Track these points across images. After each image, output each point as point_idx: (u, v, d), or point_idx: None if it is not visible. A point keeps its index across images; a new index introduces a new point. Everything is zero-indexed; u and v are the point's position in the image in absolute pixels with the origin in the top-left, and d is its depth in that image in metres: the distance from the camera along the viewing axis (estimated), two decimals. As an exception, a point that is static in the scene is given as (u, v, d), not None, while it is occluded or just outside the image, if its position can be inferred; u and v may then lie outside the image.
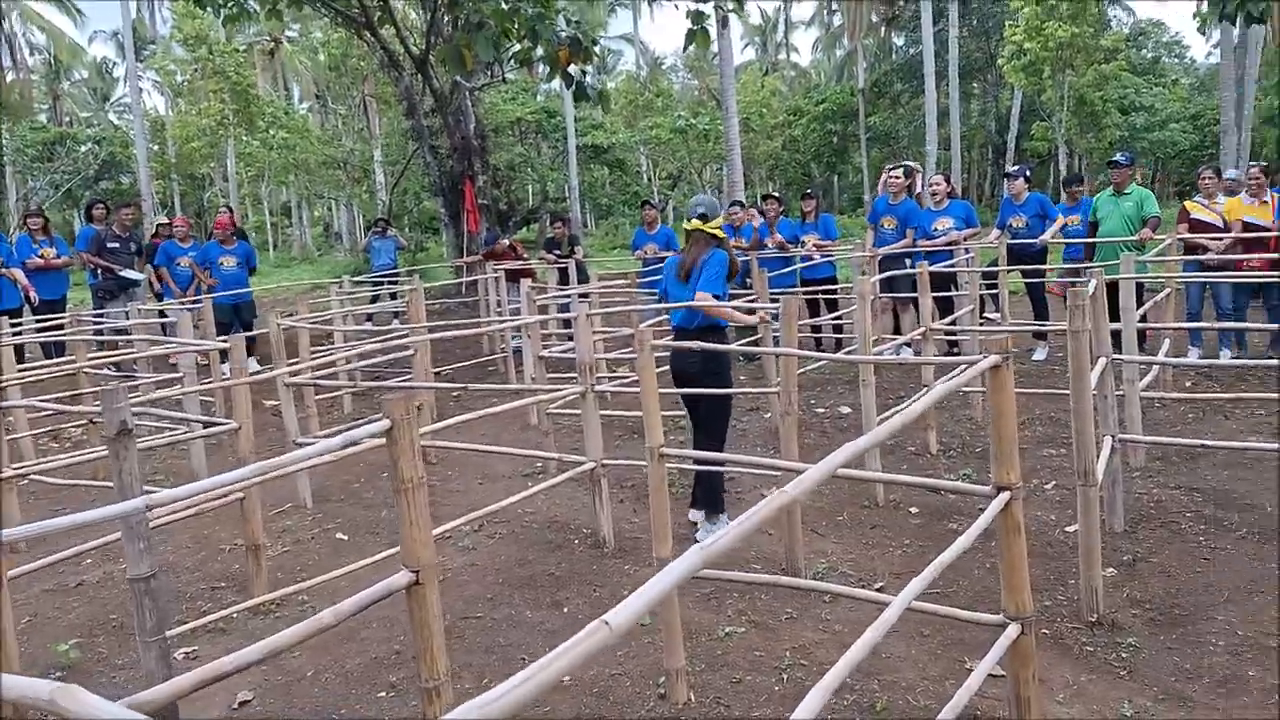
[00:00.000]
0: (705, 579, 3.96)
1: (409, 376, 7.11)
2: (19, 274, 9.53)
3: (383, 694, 3.39)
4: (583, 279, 10.50)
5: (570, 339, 8.29)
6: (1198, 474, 5.31)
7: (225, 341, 4.55)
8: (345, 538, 5.04)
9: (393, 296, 13.36)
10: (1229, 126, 17.85)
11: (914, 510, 5.09)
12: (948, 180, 9.43)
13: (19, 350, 8.47)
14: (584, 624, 1.19)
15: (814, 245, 9.70)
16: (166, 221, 12.56)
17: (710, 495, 4.83)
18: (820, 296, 9.73)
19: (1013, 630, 2.62)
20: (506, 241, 12.58)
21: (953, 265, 8.38)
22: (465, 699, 1.08)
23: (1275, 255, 7.49)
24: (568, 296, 9.04)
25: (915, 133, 34.59)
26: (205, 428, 5.09)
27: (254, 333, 10.21)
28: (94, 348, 8.66)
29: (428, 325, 7.51)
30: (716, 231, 4.85)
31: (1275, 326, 7.37)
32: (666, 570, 1.27)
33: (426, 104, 16.57)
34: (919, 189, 12.01)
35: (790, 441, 4.38)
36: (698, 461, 4.72)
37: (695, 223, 4.83)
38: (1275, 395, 6.24)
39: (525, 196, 31.18)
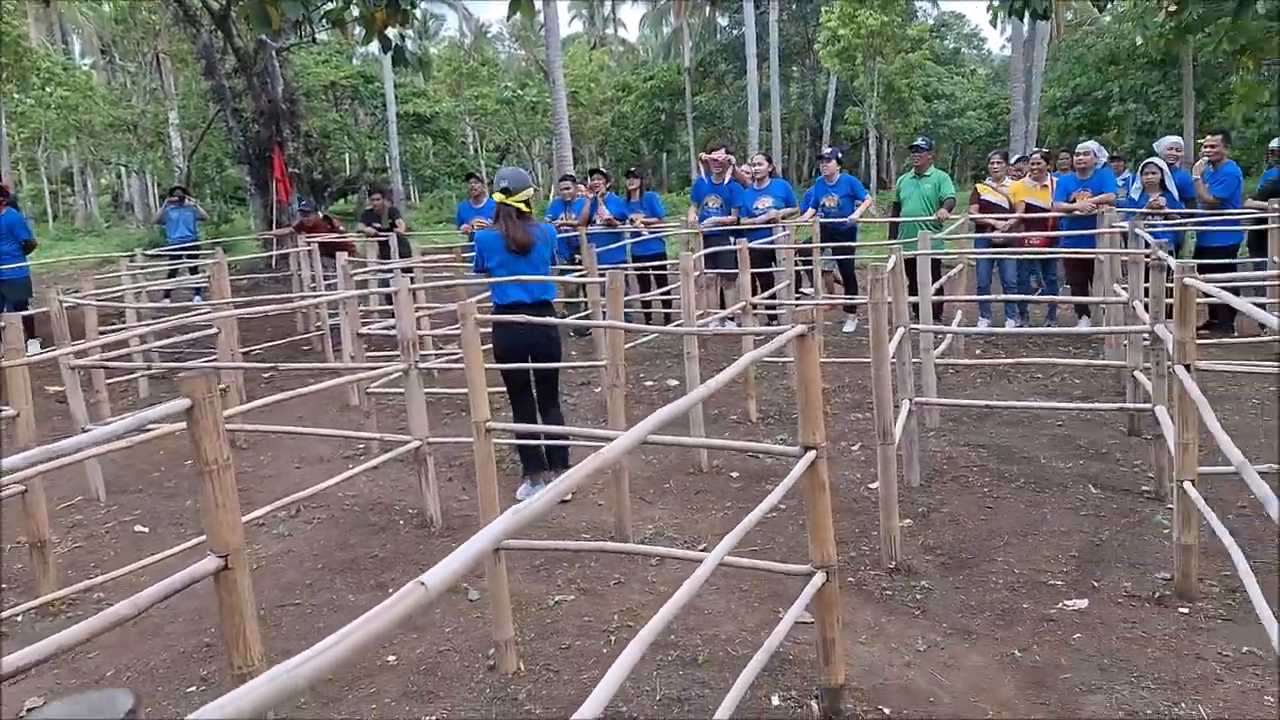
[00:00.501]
0: (536, 550, 3.99)
1: (214, 357, 6.72)
2: None
3: (192, 689, 3.22)
4: (404, 253, 10.21)
5: (393, 315, 8.06)
6: (984, 432, 5.79)
7: (-2, 321, 4.14)
8: (145, 530, 4.73)
9: (193, 271, 12.53)
10: (1018, 115, 19.35)
11: (735, 475, 5.30)
12: (769, 160, 9.78)
13: None
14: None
15: (642, 223, 9.83)
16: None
17: (565, 453, 5.03)
18: (651, 272, 9.89)
19: (819, 578, 2.79)
20: (320, 214, 12.05)
21: (772, 242, 8.72)
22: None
23: (1052, 234, 8.25)
24: (389, 271, 8.77)
25: (739, 113, 35.52)
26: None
27: (31, 311, 9.34)
28: None
29: (233, 301, 7.12)
30: (521, 206, 4.87)
31: (1053, 300, 8.13)
32: (484, 531, 1.28)
33: (228, 64, 15.56)
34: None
35: (618, 414, 4.46)
36: (544, 433, 4.78)
37: (499, 196, 4.86)
38: (1052, 360, 6.90)
39: (342, 166, 29.89)
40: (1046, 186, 8.68)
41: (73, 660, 3.40)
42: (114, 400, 6.41)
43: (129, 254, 11.75)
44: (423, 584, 1.08)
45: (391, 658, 3.39)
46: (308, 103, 21.70)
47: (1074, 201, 8.30)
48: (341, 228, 12.13)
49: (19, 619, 3.60)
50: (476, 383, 3.26)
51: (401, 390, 6.09)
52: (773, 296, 8.46)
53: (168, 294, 11.65)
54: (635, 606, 3.68)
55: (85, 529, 4.73)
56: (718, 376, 2.46)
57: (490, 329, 4.91)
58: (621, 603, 3.73)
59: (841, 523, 4.19)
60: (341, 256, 7.83)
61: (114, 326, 7.24)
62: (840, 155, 9.91)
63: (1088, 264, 8.10)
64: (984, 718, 2.88)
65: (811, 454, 2.78)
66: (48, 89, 27.07)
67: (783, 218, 9.16)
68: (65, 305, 5.44)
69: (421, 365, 4.73)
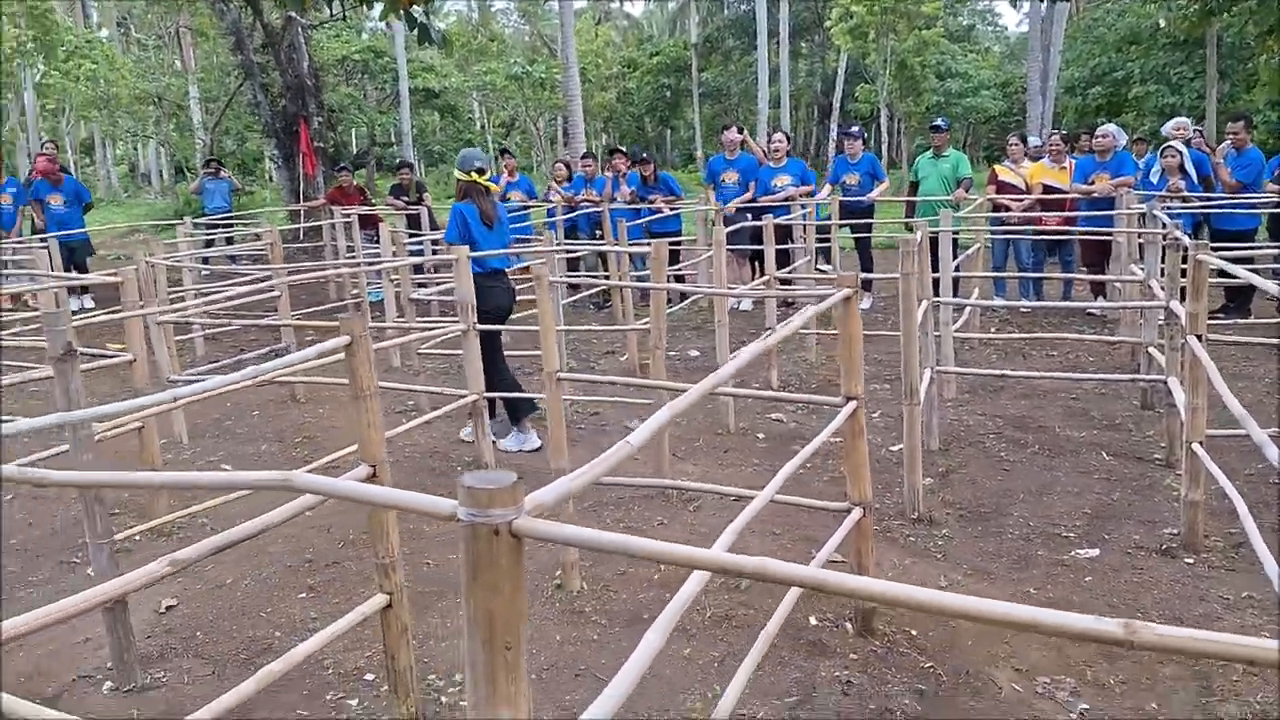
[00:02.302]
0: (587, 492, 4.39)
1: (268, 318, 7.10)
2: None
3: (303, 595, 3.64)
4: (433, 225, 10.58)
5: (422, 286, 8.40)
6: (1000, 404, 6.17)
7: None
8: (229, 469, 5.14)
9: (228, 241, 12.91)
10: (1035, 95, 19.34)
11: (760, 436, 5.69)
12: (789, 139, 10.10)
13: None
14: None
15: (663, 201, 10.15)
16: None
17: (514, 408, 5.57)
18: (668, 249, 10.22)
19: (857, 513, 3.18)
20: (355, 182, 12.39)
21: (791, 220, 9.05)
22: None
23: (1069, 214, 8.57)
24: (419, 243, 9.15)
25: (746, 90, 35.60)
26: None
27: (101, 276, 9.73)
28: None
29: (286, 267, 7.50)
30: (490, 185, 5.59)
31: (1068, 277, 8.44)
32: (602, 458, 1.58)
33: (256, 39, 15.84)
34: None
35: (660, 373, 4.84)
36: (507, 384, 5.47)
37: (474, 175, 5.46)
38: (1065, 336, 7.26)
39: (350, 140, 30.13)
40: (1065, 168, 8.98)
41: (198, 570, 3.83)
42: (179, 358, 6.80)
43: (166, 223, 12.11)
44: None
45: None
46: (324, 78, 21.94)
47: (1092, 184, 8.61)
48: (371, 199, 12.47)
49: (137, 538, 4.03)
50: (549, 337, 3.64)
51: (447, 352, 6.51)
52: (791, 272, 8.81)
53: (205, 261, 12.02)
54: (679, 542, 4.07)
55: (178, 466, 5.14)
56: (778, 331, 2.85)
57: (480, 291, 5.39)
58: (665, 540, 4.12)
59: (867, 477, 4.58)
60: (384, 227, 8.20)
61: (178, 289, 7.62)
62: (865, 135, 10.22)
63: (1104, 246, 8.42)
64: (1003, 641, 3.28)
65: (853, 404, 3.16)
66: (73, 61, 27.35)
67: (800, 195, 9.49)
68: (150, 265, 5.81)
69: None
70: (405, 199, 11.31)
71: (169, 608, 3.60)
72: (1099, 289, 8.67)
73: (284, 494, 2.32)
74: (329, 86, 24.48)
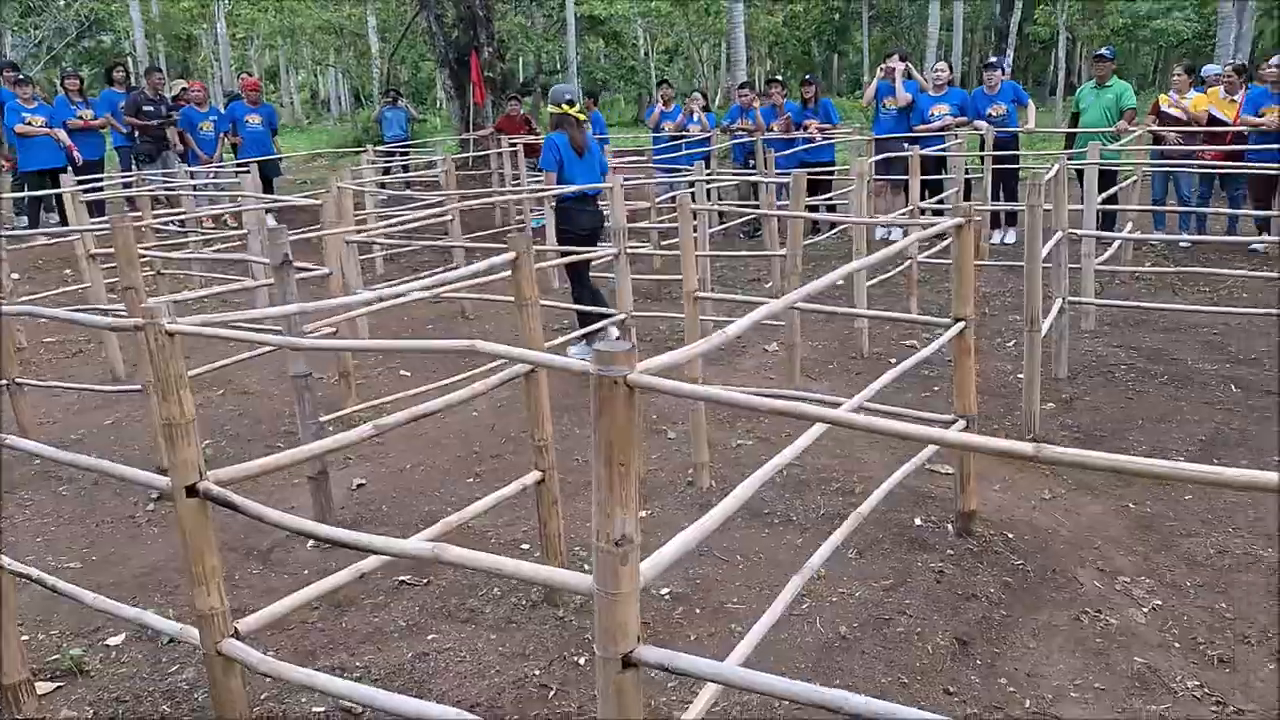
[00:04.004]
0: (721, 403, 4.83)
1: (440, 241, 7.82)
2: (62, 134, 10.05)
3: (470, 480, 4.29)
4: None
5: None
6: (1138, 337, 6.17)
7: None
8: (408, 374, 5.89)
9: (403, 169, 13.86)
10: (1229, 16, 17.93)
11: (893, 361, 5.95)
12: (951, 69, 9.99)
13: (61, 209, 9.11)
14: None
15: (816, 129, 10.27)
16: (185, 85, 12.92)
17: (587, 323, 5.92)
18: (819, 178, 10.38)
19: (960, 424, 3.49)
20: (522, 111, 13.01)
21: (942, 150, 9.03)
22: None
23: (1230, 148, 8.20)
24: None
25: (918, 12, 34.08)
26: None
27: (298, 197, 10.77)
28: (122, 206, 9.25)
29: (460, 193, 8.18)
30: (579, 115, 6.16)
31: (1234, 212, 8.12)
32: (715, 335, 2.03)
33: (430, -31, 16.65)
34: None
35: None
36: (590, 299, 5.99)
37: (565, 108, 6.02)
38: (1218, 271, 7.07)
39: (518, 68, 30.95)
40: (1235, 101, 8.56)
41: (382, 456, 4.55)
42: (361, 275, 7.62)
43: (346, 150, 13.10)
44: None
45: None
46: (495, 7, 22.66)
47: (1262, 116, 8.19)
48: (538, 129, 13.08)
49: (329, 428, 4.77)
50: (687, 258, 4.06)
51: (598, 274, 7.02)
52: (940, 203, 8.84)
53: (382, 186, 13.04)
54: (803, 450, 4.46)
55: (363, 371, 5.92)
56: (884, 251, 3.17)
57: (569, 213, 6.10)
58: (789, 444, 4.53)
59: (988, 404, 4.82)
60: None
61: (360, 213, 8.46)
62: (1005, 65, 9.99)
63: (1273, 182, 8.04)
64: (1092, 546, 3.54)
65: (961, 324, 3.45)
66: (261, -8, 29.19)
67: (956, 125, 9.41)
68: (339, 190, 6.58)
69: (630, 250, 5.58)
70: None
71: (359, 485, 4.32)
72: (1265, 225, 8.29)
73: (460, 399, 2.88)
74: (499, 15, 25.31)
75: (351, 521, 4.00)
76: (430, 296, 6.00)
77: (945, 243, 6.10)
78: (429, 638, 3.09)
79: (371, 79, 29.97)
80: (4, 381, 4.74)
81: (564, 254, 6.01)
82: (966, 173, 8.99)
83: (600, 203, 6.52)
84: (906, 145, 9.01)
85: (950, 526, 3.69)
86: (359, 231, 6.35)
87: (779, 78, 12.00)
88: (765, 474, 2.29)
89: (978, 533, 3.64)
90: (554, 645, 3.04)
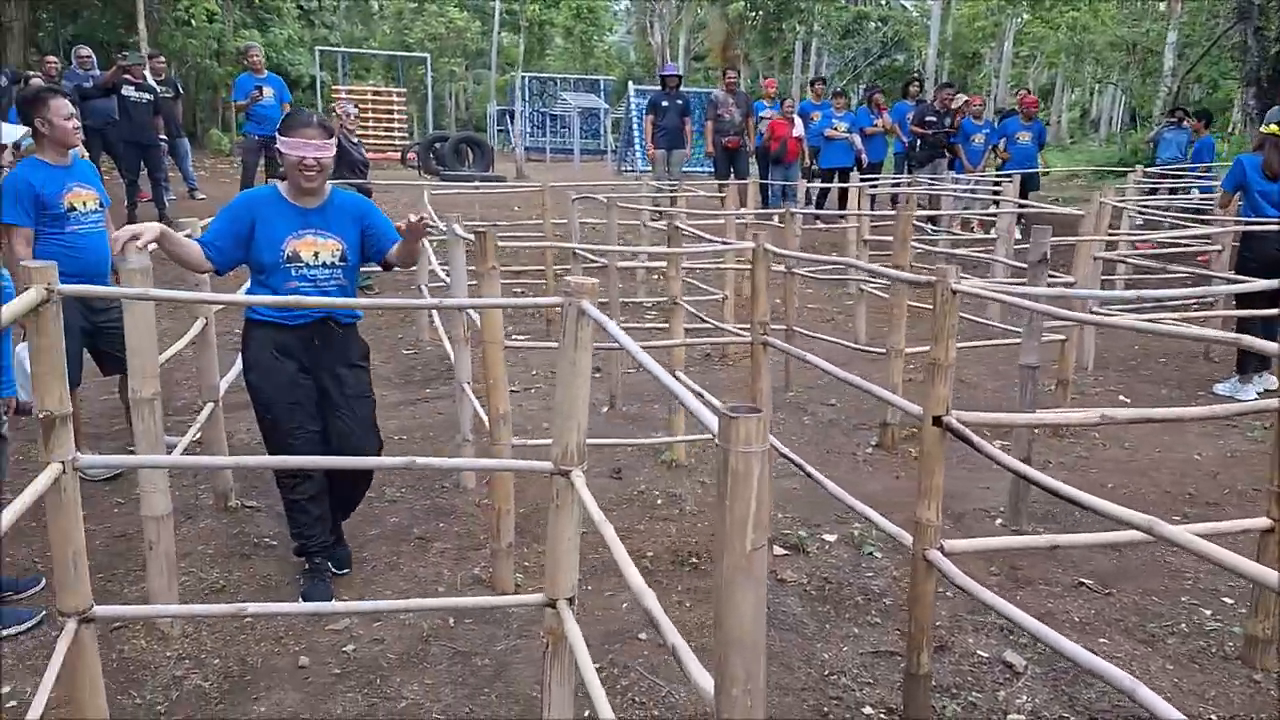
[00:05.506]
0: None
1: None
2: (856, 139, 11.74)
3: (1177, 518, 4.11)
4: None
5: None
6: None
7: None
8: (1128, 401, 5.70)
9: (1171, 191, 12.72)
10: None
11: None
12: None
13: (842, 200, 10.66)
14: None
15: None
16: (965, 99, 13.72)
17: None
18: None
19: None
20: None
21: None
22: None
23: None
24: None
25: None
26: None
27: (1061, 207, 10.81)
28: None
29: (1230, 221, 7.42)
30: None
31: None
32: None
33: (1258, -19, 14.80)
34: None
35: None
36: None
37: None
38: None
39: None
40: None
41: (1080, 468, 4.63)
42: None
43: (1108, 169, 12.55)
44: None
45: None
46: None
47: None
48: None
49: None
50: None
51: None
52: None
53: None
54: None
55: (1077, 387, 5.89)
56: None
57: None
58: None
59: None
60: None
61: (1114, 234, 8.23)
62: None
63: None
64: None
65: None
66: (1056, 9, 29.19)
67: None
68: (1103, 205, 6.55)
69: None
70: None
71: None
72: None
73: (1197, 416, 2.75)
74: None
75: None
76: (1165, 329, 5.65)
77: None
78: (1099, 640, 3.11)
79: (1155, 98, 27.91)
80: (786, 329, 5.90)
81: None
82: None
83: None
84: None
85: None
86: (1110, 243, 6.25)
87: None
88: None
89: None
90: (1238, 701, 2.83)
